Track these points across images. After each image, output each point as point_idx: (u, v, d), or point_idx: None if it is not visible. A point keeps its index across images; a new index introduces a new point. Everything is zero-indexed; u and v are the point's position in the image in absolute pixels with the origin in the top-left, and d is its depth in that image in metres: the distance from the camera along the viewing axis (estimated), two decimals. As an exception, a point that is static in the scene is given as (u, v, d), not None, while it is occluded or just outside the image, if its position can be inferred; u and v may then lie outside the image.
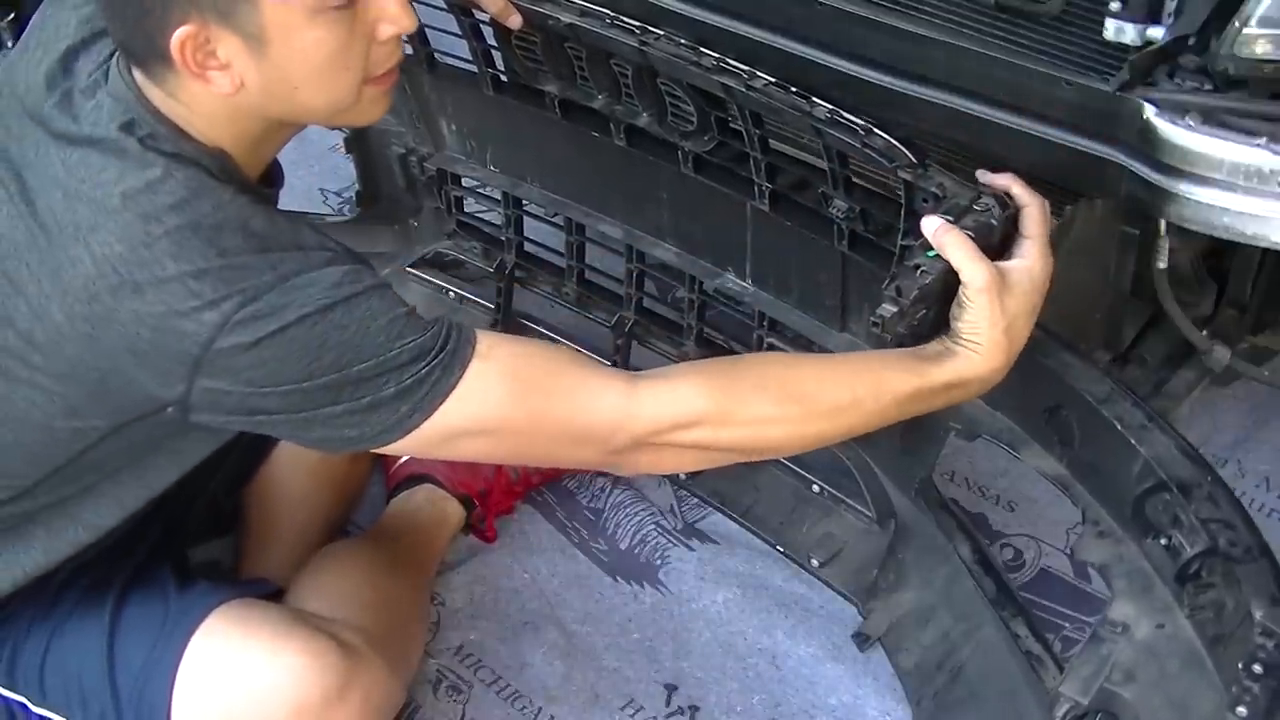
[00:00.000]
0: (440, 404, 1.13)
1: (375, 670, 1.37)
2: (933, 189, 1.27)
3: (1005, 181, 1.27)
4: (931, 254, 1.22)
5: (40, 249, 1.15)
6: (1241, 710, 1.14)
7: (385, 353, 1.11)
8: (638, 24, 1.47)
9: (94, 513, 1.31)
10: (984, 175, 1.29)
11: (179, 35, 1.09)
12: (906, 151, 1.32)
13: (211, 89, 1.13)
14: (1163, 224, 1.35)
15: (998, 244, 1.25)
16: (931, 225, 1.23)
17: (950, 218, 1.23)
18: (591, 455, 1.22)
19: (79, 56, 1.21)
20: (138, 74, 1.16)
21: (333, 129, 2.16)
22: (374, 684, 1.36)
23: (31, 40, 1.27)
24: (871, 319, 1.22)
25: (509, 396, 1.15)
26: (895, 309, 1.20)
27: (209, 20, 1.09)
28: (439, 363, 1.12)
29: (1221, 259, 1.53)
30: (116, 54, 1.19)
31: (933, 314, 1.25)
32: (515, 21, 1.47)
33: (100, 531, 1.32)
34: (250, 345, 1.09)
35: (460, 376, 1.13)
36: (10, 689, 1.36)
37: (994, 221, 1.24)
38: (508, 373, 1.16)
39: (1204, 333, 1.53)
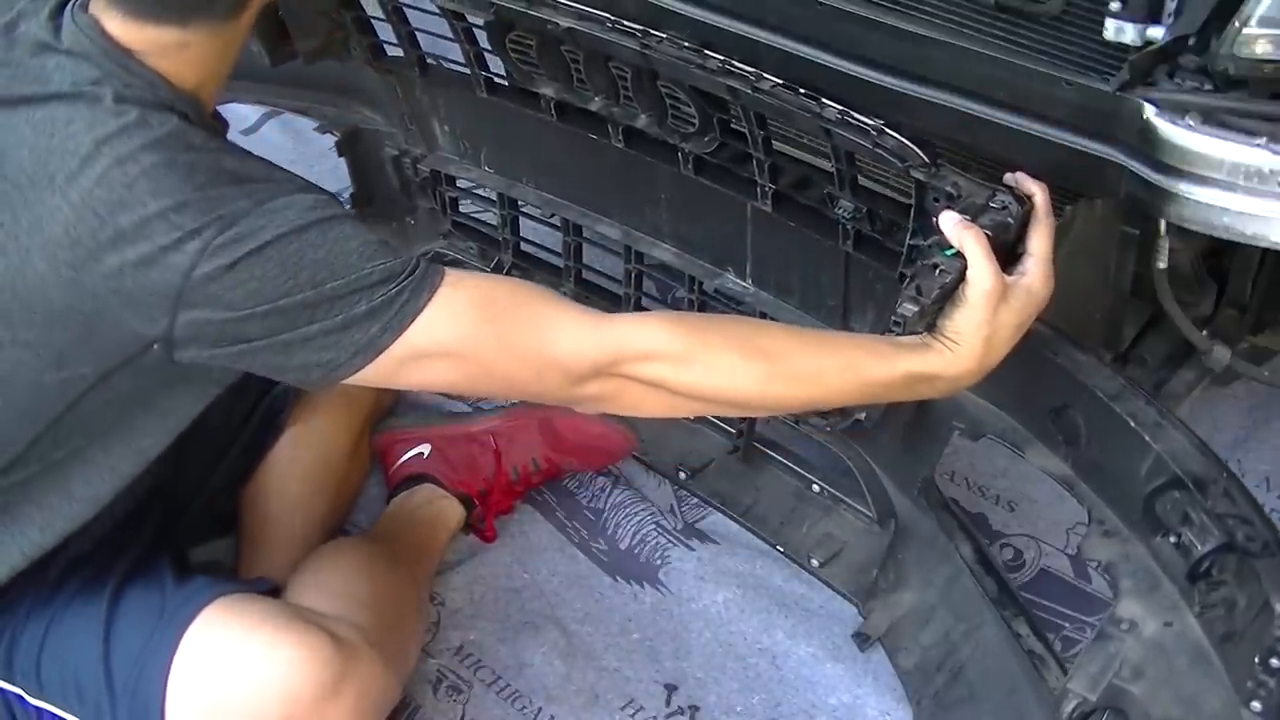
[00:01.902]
0: (410, 324, 1.16)
1: (370, 665, 1.37)
2: (947, 188, 1.27)
3: (1032, 186, 1.27)
4: (950, 253, 1.22)
5: (14, 207, 1.18)
6: (1256, 705, 1.13)
7: (358, 271, 1.15)
8: (639, 27, 1.46)
9: (86, 483, 1.31)
10: (1011, 177, 1.29)
11: None
12: (919, 151, 1.32)
13: (241, 23, 1.22)
14: (1163, 224, 1.35)
15: (1012, 243, 1.25)
16: (951, 221, 1.23)
17: (968, 216, 1.23)
18: (553, 384, 1.23)
19: (18, 25, 1.24)
20: (115, 25, 1.19)
21: (297, 110, 2.17)
22: (369, 679, 1.36)
23: None
24: (893, 318, 1.21)
25: (475, 321, 1.19)
26: (916, 308, 1.20)
27: None
28: (409, 284, 1.16)
29: (1221, 259, 1.53)
30: (70, 10, 1.21)
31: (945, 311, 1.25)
32: None
33: (96, 504, 1.32)
34: (229, 267, 1.12)
35: (429, 299, 1.16)
36: (8, 681, 1.36)
37: (1010, 220, 1.24)
38: (475, 300, 1.19)
39: (1204, 333, 1.53)
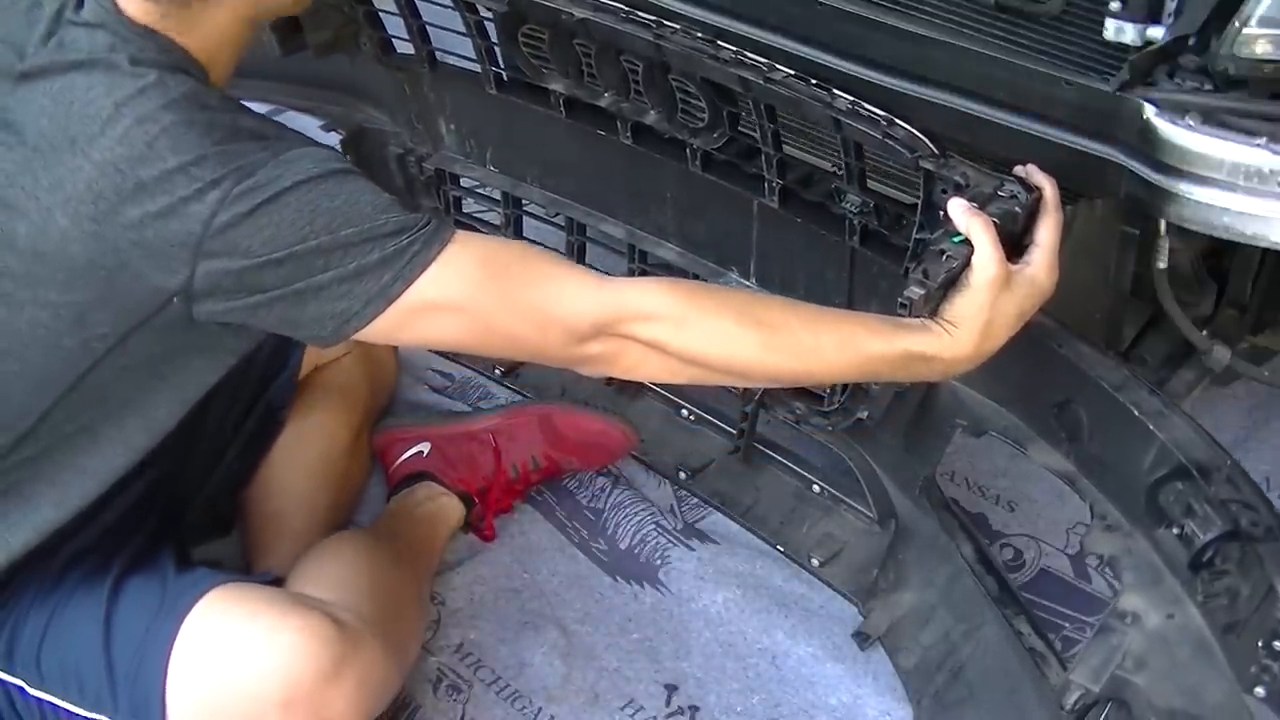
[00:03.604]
0: (421, 274, 1.18)
1: (371, 650, 1.37)
2: (956, 178, 1.28)
3: (1042, 179, 1.27)
4: (958, 239, 1.22)
5: (35, 170, 1.20)
6: (1260, 690, 1.14)
7: (371, 221, 1.18)
8: (652, 18, 1.47)
9: (99, 458, 1.32)
10: (1021, 170, 1.29)
11: None
12: (928, 142, 1.32)
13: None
14: (1163, 224, 1.35)
15: (1019, 233, 1.25)
16: (959, 207, 1.24)
17: (976, 205, 1.24)
18: (555, 341, 1.24)
19: (41, 5, 1.26)
20: (130, 4, 1.22)
21: (302, 109, 2.18)
22: (370, 664, 1.36)
23: None
24: (900, 300, 1.22)
25: (483, 277, 1.22)
26: (923, 291, 1.21)
27: None
28: (420, 236, 1.19)
29: (1221, 259, 1.53)
30: None
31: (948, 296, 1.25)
32: None
33: (109, 478, 1.33)
34: (247, 214, 1.15)
35: (439, 252, 1.19)
36: (8, 672, 1.37)
37: (1018, 209, 1.24)
38: (483, 256, 1.23)
39: (1204, 333, 1.53)
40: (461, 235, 1.22)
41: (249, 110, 1.25)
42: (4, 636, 1.36)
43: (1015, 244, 1.25)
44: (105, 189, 1.17)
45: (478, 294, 1.22)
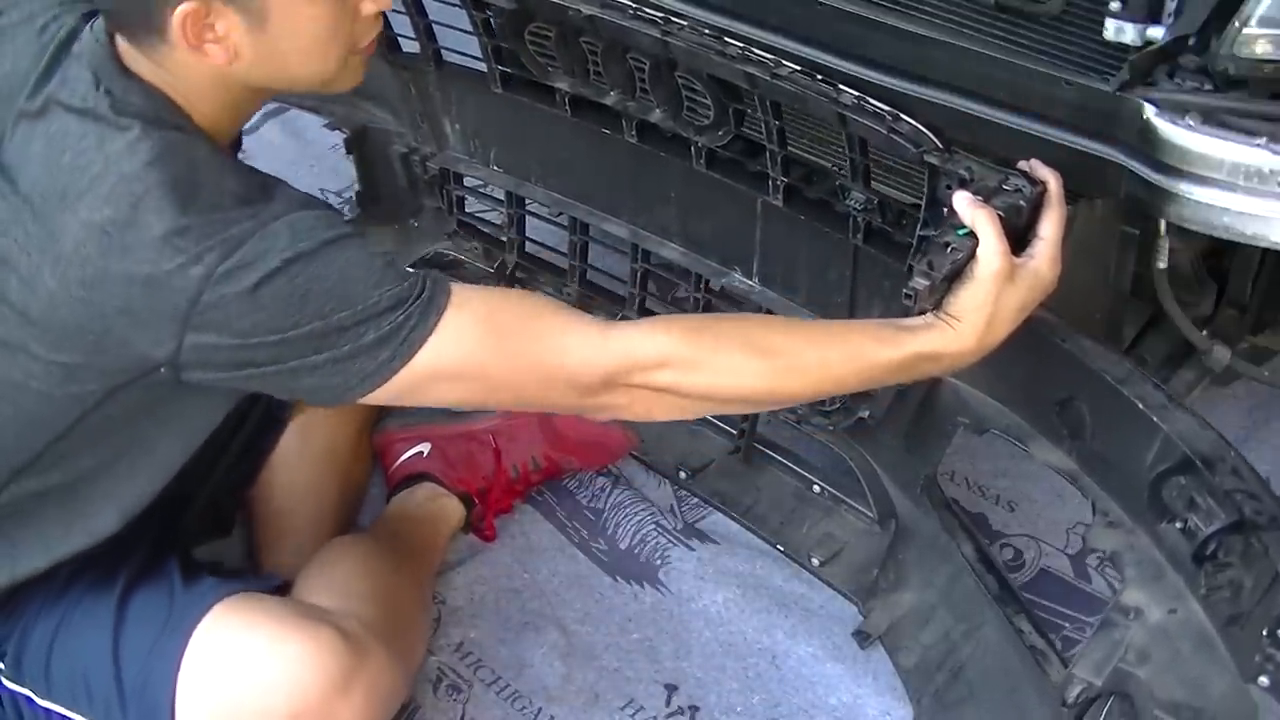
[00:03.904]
0: (418, 349, 1.16)
1: (379, 661, 1.37)
2: (960, 171, 1.27)
3: (1046, 173, 1.27)
4: (963, 232, 1.22)
5: (26, 223, 1.19)
6: (1264, 680, 1.13)
7: (365, 300, 1.15)
8: (660, 15, 1.46)
9: (107, 498, 1.31)
10: (1025, 165, 1.29)
11: (181, 11, 1.14)
12: (933, 137, 1.32)
13: (205, 60, 1.18)
14: (1163, 224, 1.35)
15: (1023, 227, 1.25)
16: (964, 199, 1.23)
17: (981, 198, 1.24)
18: (563, 396, 1.24)
19: (48, 29, 1.26)
20: (120, 41, 1.20)
21: (307, 107, 2.17)
22: (378, 675, 1.36)
23: (11, 14, 1.30)
24: (905, 290, 1.21)
25: (483, 340, 1.19)
26: (927, 282, 1.21)
27: None
28: (416, 308, 1.16)
29: (1221, 259, 1.53)
30: (91, 23, 1.23)
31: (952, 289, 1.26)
32: None
33: (122, 515, 1.33)
34: (236, 297, 1.12)
35: (436, 322, 1.17)
36: (16, 682, 1.37)
37: (1023, 203, 1.24)
38: (481, 318, 1.20)
39: (1204, 333, 1.54)
40: (458, 295, 1.19)
41: (237, 165, 1.22)
42: (11, 646, 1.37)
43: (1019, 238, 1.25)
44: (91, 253, 1.14)
45: (480, 358, 1.20)
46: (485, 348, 1.19)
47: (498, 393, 1.24)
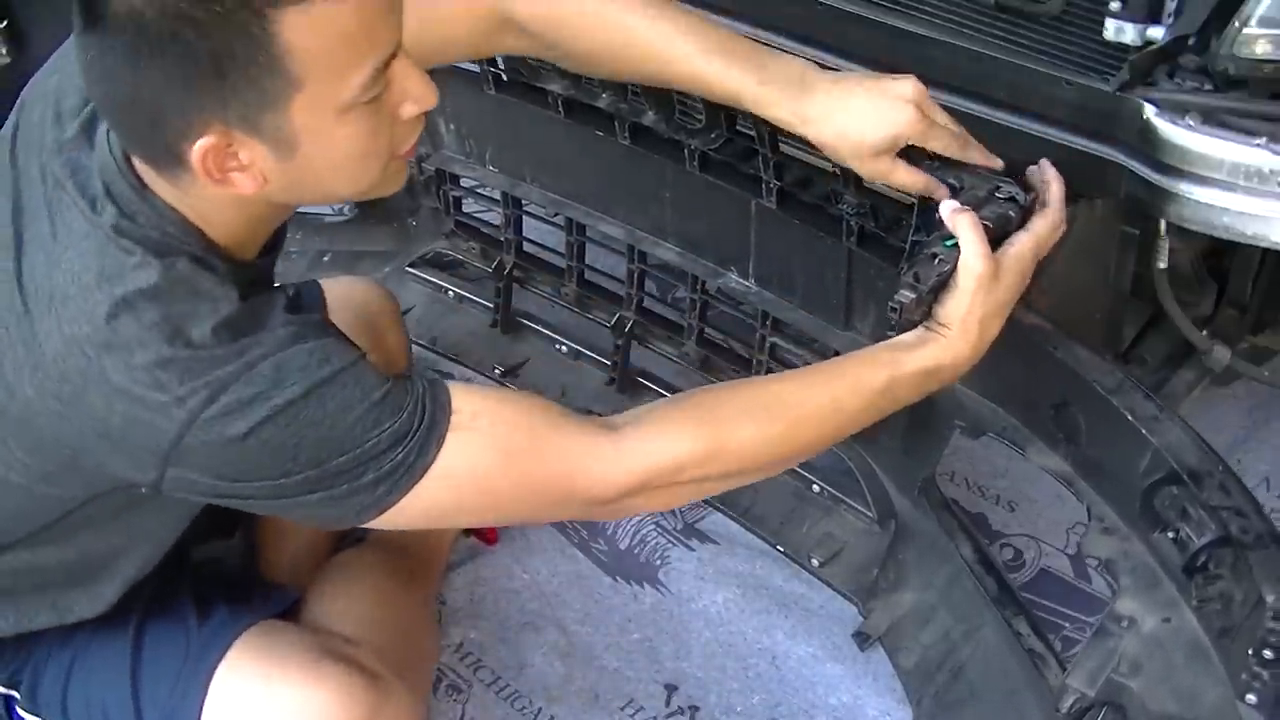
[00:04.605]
0: (418, 481, 1.10)
1: (401, 699, 1.34)
2: (950, 180, 1.27)
3: (1051, 176, 1.26)
4: (949, 244, 1.21)
5: (18, 313, 1.12)
6: (1251, 698, 1.13)
7: (362, 444, 1.07)
8: None
9: (105, 570, 1.29)
10: (1034, 167, 1.28)
11: (201, 146, 1.03)
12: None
13: (232, 190, 1.07)
14: (1163, 224, 1.35)
15: (1013, 233, 1.25)
16: (949, 208, 1.22)
17: (969, 207, 1.23)
18: (580, 511, 1.21)
19: (68, 115, 1.17)
20: (140, 164, 1.10)
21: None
22: (399, 713, 1.34)
23: (61, 65, 1.20)
24: (890, 304, 1.21)
25: (490, 465, 1.13)
26: (914, 295, 1.20)
27: (233, 129, 1.03)
28: (415, 443, 1.09)
29: (1221, 259, 1.53)
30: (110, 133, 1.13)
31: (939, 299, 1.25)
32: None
33: (124, 581, 1.30)
34: (223, 444, 1.06)
35: (437, 452, 1.10)
36: (33, 713, 1.36)
37: (1012, 213, 1.23)
38: (487, 444, 1.13)
39: (1204, 333, 1.54)
40: (460, 414, 1.11)
41: (238, 291, 1.09)
42: (26, 678, 1.35)
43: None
44: (70, 371, 1.07)
45: (485, 482, 1.13)
46: (491, 474, 1.13)
47: (506, 515, 1.21)
